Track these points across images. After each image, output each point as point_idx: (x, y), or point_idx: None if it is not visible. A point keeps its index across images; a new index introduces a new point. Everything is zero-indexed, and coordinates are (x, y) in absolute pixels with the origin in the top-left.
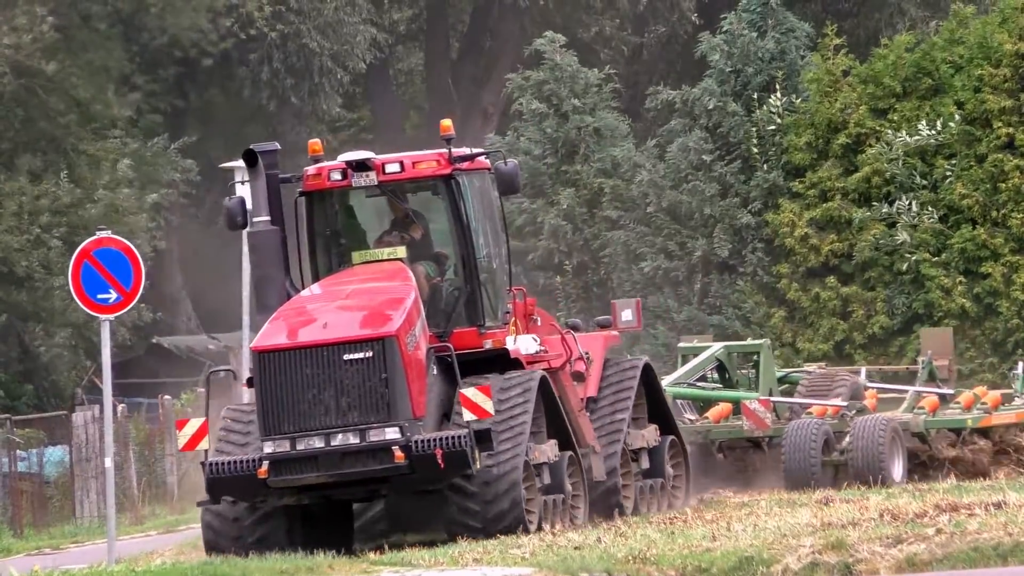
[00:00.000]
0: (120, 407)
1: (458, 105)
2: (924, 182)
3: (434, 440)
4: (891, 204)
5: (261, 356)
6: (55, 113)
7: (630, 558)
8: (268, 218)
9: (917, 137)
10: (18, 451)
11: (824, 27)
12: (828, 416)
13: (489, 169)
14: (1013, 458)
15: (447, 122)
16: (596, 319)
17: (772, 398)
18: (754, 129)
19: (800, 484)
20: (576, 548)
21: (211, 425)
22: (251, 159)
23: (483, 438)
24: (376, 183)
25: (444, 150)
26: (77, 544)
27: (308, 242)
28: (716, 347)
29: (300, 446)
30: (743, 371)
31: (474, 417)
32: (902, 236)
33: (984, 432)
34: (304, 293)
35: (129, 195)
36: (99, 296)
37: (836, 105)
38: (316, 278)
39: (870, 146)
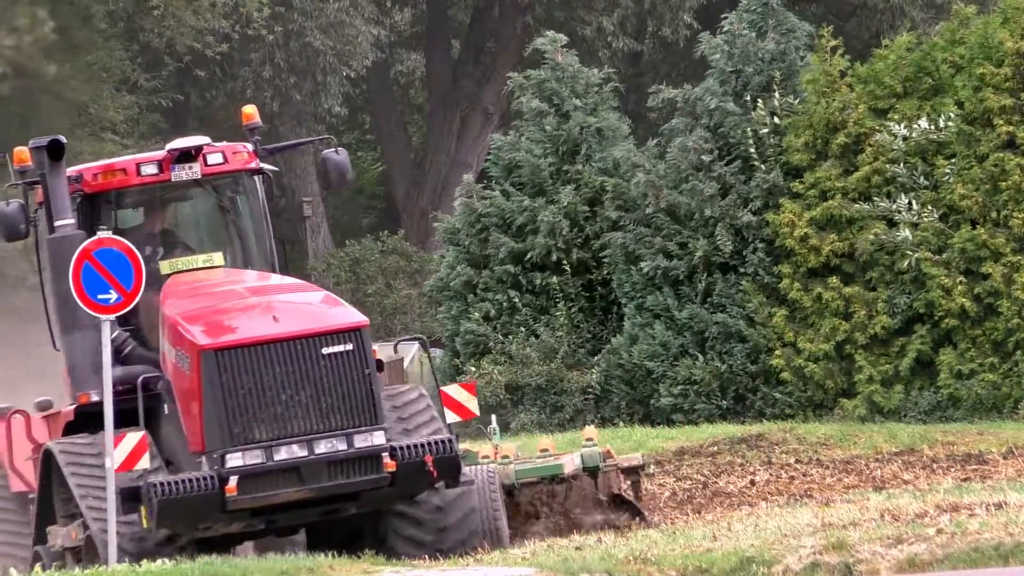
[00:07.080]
0: None
1: (459, 105)
2: (925, 181)
3: (423, 445)
4: (892, 202)
5: (217, 355)
6: (55, 114)
7: (631, 558)
8: (73, 221)
9: (926, 131)
10: None
11: (826, 28)
12: None
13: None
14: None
15: (249, 109)
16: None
17: None
18: (752, 130)
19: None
20: (577, 548)
21: None
22: (57, 151)
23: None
24: (199, 176)
25: (248, 143)
26: None
27: None
28: None
29: (278, 456)
30: None
31: (458, 419)
32: (904, 233)
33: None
34: (182, 297)
35: None
36: (99, 296)
37: (834, 105)
38: None
39: (870, 145)
